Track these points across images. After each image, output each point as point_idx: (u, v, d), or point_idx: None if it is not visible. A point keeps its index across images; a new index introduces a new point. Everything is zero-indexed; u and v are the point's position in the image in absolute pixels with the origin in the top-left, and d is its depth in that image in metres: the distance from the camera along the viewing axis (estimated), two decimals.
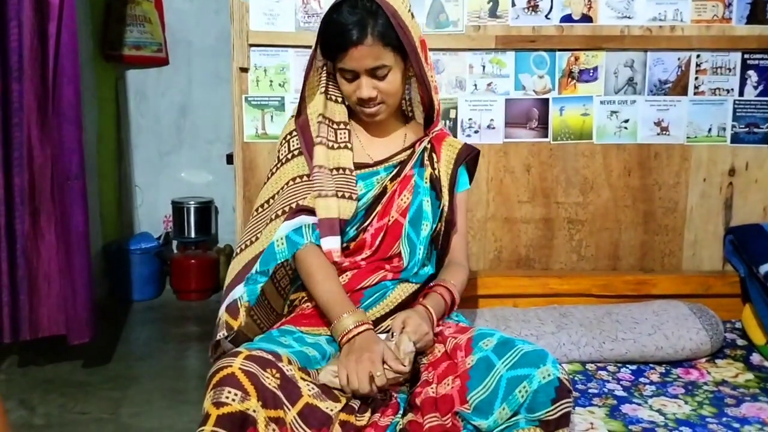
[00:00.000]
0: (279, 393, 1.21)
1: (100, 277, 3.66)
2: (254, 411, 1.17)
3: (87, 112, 3.21)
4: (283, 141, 1.59)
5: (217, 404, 1.16)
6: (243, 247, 1.56)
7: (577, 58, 2.16)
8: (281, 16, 2.09)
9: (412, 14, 1.49)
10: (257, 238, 1.52)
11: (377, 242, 1.52)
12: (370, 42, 1.41)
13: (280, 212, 1.50)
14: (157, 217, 4.12)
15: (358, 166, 1.55)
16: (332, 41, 1.44)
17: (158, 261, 3.86)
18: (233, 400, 1.16)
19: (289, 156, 1.57)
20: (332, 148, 1.54)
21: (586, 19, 2.13)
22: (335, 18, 1.43)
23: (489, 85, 2.16)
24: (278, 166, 1.58)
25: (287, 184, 1.54)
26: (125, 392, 2.61)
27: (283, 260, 1.46)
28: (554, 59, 2.15)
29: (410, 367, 1.34)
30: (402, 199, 1.54)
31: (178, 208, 3.91)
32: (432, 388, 1.34)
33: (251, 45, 2.09)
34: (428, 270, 1.55)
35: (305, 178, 1.53)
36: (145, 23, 3.90)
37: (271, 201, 1.57)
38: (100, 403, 2.51)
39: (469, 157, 1.62)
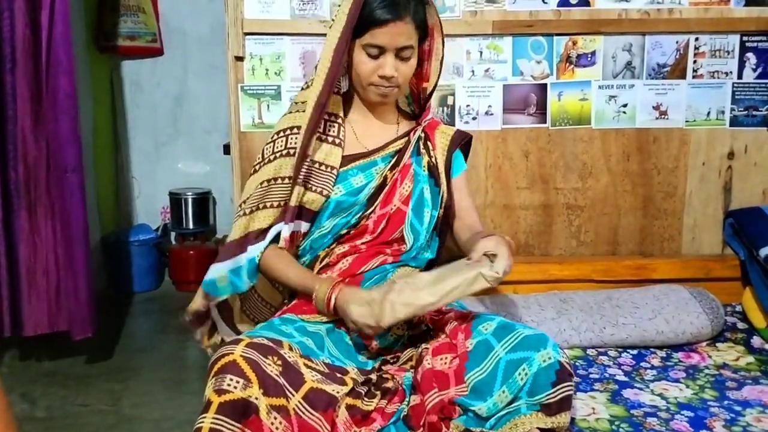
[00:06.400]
0: (281, 380, 1.21)
1: (98, 269, 3.65)
2: (256, 398, 1.17)
3: (82, 103, 3.18)
4: (281, 133, 1.56)
5: (219, 392, 1.16)
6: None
7: (574, 43, 2.14)
8: (276, 4, 2.07)
9: None
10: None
11: (379, 229, 1.52)
12: (408, 20, 1.42)
13: (248, 210, 1.52)
14: (155, 208, 4.11)
15: (354, 157, 1.54)
16: (371, 14, 1.41)
17: (157, 252, 3.85)
18: (235, 387, 1.16)
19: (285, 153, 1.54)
20: (324, 141, 1.52)
21: (584, 2, 2.12)
22: None
23: (486, 71, 2.14)
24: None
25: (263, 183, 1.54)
26: (126, 384, 2.61)
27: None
28: (552, 44, 2.14)
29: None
30: (404, 188, 1.55)
31: (176, 199, 3.90)
32: (428, 360, 1.35)
33: (246, 33, 2.07)
34: (428, 255, 1.57)
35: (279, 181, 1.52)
36: (139, 13, 3.87)
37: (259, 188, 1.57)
38: (101, 395, 2.52)
39: (462, 142, 1.64)
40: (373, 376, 1.37)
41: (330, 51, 1.45)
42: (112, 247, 3.75)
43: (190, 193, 3.90)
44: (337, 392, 1.26)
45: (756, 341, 1.91)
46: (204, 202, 3.95)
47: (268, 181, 1.52)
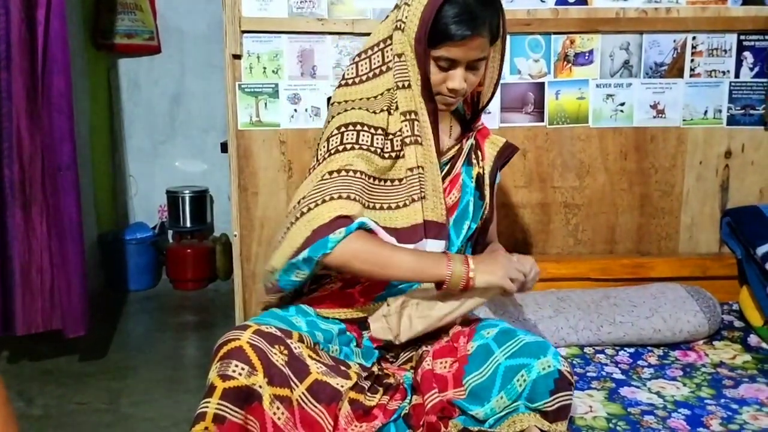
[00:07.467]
0: (286, 370, 1.20)
1: (95, 268, 3.65)
2: (260, 387, 1.16)
3: (79, 101, 3.19)
4: (351, 126, 1.40)
5: (224, 377, 1.15)
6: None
7: (572, 41, 2.14)
8: (274, 2, 2.07)
9: None
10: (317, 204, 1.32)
11: None
12: (485, 34, 1.34)
13: (321, 201, 1.31)
14: (152, 206, 4.10)
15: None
16: (447, 28, 1.32)
17: (154, 251, 3.85)
18: (240, 374, 1.15)
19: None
20: (414, 143, 1.41)
21: (582, 1, 2.12)
22: (463, 2, 1.32)
23: None
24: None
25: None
26: (123, 382, 2.61)
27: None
28: (549, 43, 2.14)
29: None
30: (450, 198, 1.49)
31: (173, 197, 3.90)
32: (427, 362, 1.34)
33: (244, 31, 2.07)
34: None
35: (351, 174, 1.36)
36: (137, 11, 3.86)
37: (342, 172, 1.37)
38: (98, 393, 2.51)
39: (509, 156, 1.58)
40: (375, 369, 1.37)
41: (413, 59, 1.36)
42: (109, 246, 3.74)
43: (187, 192, 3.89)
44: (341, 386, 1.25)
45: (753, 339, 1.92)
46: (201, 200, 3.94)
47: (338, 171, 1.33)
